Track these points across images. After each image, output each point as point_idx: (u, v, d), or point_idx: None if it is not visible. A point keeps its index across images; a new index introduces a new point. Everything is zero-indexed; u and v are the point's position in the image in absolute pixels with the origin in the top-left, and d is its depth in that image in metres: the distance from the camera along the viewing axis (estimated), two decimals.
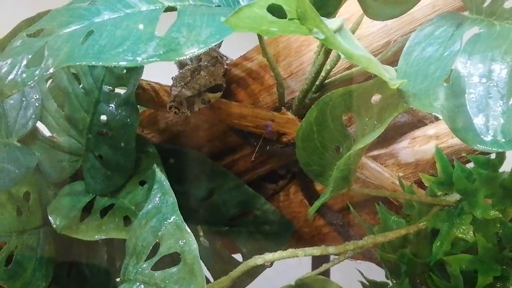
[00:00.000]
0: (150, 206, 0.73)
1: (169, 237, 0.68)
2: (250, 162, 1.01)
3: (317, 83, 0.89)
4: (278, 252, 0.81)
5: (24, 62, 0.73)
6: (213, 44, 0.68)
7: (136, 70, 0.93)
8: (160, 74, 0.97)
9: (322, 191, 1.00)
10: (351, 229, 1.01)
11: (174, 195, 0.71)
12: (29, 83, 0.71)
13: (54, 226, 0.94)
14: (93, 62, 0.69)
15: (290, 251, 0.81)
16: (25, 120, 0.96)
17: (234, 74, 0.98)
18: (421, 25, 0.75)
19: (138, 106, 0.96)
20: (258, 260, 0.81)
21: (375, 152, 0.97)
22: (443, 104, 0.65)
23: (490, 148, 0.63)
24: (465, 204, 0.80)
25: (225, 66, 0.96)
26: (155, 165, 0.78)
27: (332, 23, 0.65)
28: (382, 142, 0.98)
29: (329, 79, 0.90)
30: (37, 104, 0.97)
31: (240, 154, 1.03)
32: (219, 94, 0.91)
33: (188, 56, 0.67)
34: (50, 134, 1.01)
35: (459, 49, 0.69)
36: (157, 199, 0.73)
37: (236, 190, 1.00)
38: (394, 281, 0.87)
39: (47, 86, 1.01)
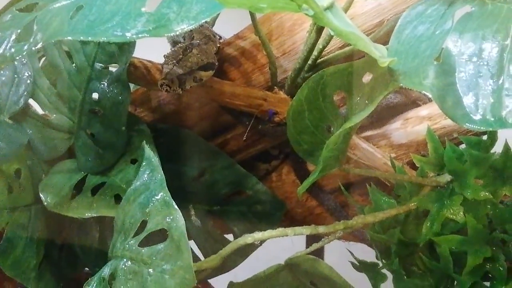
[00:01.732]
0: (138, 183, 0.73)
1: (156, 214, 0.68)
2: (242, 141, 1.01)
3: (309, 62, 0.89)
4: (268, 231, 0.81)
5: (13, 37, 0.72)
6: (203, 21, 0.67)
7: (127, 48, 0.93)
8: (153, 52, 0.96)
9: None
10: (344, 210, 1.01)
11: (162, 172, 0.71)
12: (18, 57, 0.71)
13: (45, 203, 0.94)
14: (82, 37, 0.68)
15: (279, 230, 0.81)
16: (17, 97, 0.96)
17: (227, 53, 0.98)
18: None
19: (130, 84, 0.95)
20: (248, 238, 0.81)
21: (368, 133, 0.97)
22: (433, 82, 0.64)
23: (479, 127, 0.62)
24: (455, 185, 0.79)
25: (218, 45, 0.95)
26: (144, 142, 0.77)
27: (322, 0, 0.65)
28: (375, 123, 0.97)
29: (322, 59, 0.90)
30: (29, 81, 0.97)
31: (232, 133, 1.02)
32: (211, 72, 0.91)
33: (178, 32, 0.66)
34: (43, 112, 1.00)
35: (450, 28, 0.68)
36: (145, 176, 0.73)
37: (228, 170, 1.00)
38: (384, 262, 0.87)
39: (40, 63, 1.00)
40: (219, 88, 0.94)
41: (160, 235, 0.68)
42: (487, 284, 0.81)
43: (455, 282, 0.81)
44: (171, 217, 0.66)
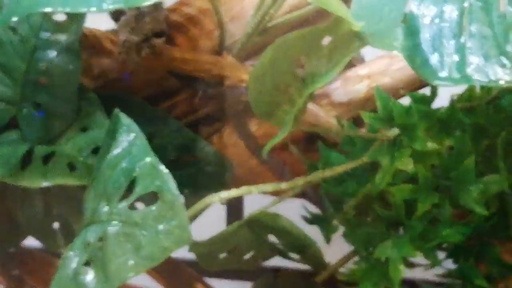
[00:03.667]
0: (118, 150, 0.75)
1: (144, 178, 0.70)
2: (188, 106, 1.03)
3: (261, 26, 0.92)
4: (232, 190, 0.85)
5: None
6: None
7: (78, 17, 0.93)
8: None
9: (257, 132, 1.03)
10: (285, 168, 1.05)
11: (144, 137, 0.73)
12: None
13: None
14: (60, 8, 0.69)
15: (244, 188, 0.85)
16: None
17: (173, 20, 0.99)
18: None
19: None
20: (213, 198, 0.84)
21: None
22: (403, 44, 0.69)
23: (446, 83, 0.68)
24: (404, 138, 0.85)
25: (165, 12, 0.97)
26: (117, 110, 0.79)
27: None
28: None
29: (271, 23, 0.93)
30: None
31: (178, 98, 1.04)
32: (163, 39, 0.93)
33: (152, 2, 0.68)
34: None
35: None
36: (125, 142, 0.74)
37: (176, 133, 1.02)
38: (337, 214, 0.93)
39: None
40: (169, 54, 0.95)
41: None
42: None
43: (405, 228, 0.88)
44: (161, 180, 0.69)
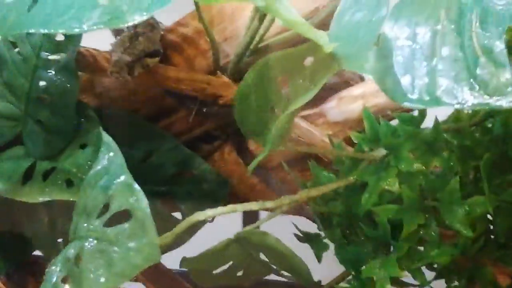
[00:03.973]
0: (99, 167, 0.77)
1: (119, 195, 0.72)
2: (186, 124, 1.05)
3: (251, 47, 0.94)
4: (219, 208, 0.86)
5: None
6: (154, 11, 0.72)
7: (75, 37, 0.96)
8: (97, 42, 1.00)
9: (255, 150, 1.05)
10: (284, 186, 1.06)
11: (122, 155, 0.75)
12: None
13: None
14: (41, 30, 0.71)
15: (230, 206, 0.86)
16: None
17: (170, 40, 1.02)
18: None
19: None
20: (200, 215, 0.86)
21: (306, 112, 1.02)
22: (373, 66, 0.70)
23: (416, 105, 0.68)
24: (391, 159, 0.86)
25: (161, 32, 0.99)
26: (100, 128, 0.81)
27: None
28: (312, 102, 1.03)
29: (262, 44, 0.95)
30: None
31: (176, 116, 1.06)
32: (157, 59, 0.95)
33: (132, 23, 0.70)
34: None
35: (386, 15, 0.74)
36: (105, 160, 0.76)
37: (173, 151, 1.04)
38: (326, 232, 0.93)
39: None
40: (164, 74, 0.98)
41: (120, 217, 0.72)
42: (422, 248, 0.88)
43: (392, 248, 0.88)
44: (134, 198, 0.71)
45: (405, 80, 0.69)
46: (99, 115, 1.02)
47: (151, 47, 0.94)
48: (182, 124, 1.06)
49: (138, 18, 0.70)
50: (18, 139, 1.03)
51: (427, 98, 0.68)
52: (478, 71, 0.67)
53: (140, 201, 0.70)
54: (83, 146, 0.98)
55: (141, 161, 1.05)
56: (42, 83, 0.98)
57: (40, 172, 0.98)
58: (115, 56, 0.91)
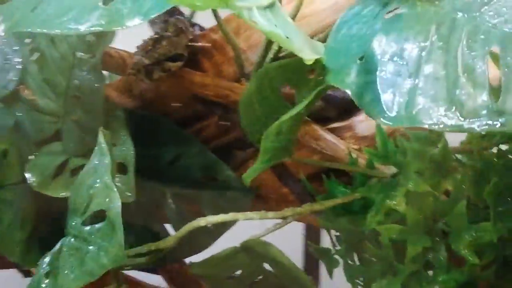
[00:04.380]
0: (90, 166, 0.79)
1: (99, 195, 0.74)
2: (216, 129, 1.05)
3: (271, 56, 0.93)
4: (220, 215, 0.86)
5: None
6: (153, 16, 0.73)
7: (104, 38, 0.98)
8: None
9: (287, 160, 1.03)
10: (313, 197, 1.05)
11: (110, 157, 0.76)
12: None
13: (30, 182, 1.00)
14: (38, 30, 0.74)
15: (231, 214, 0.86)
16: (5, 82, 1.02)
17: (201, 45, 1.02)
18: None
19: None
20: (201, 221, 0.86)
21: (335, 125, 1.00)
22: (353, 80, 0.68)
23: (392, 123, 0.66)
24: (400, 177, 0.83)
25: (190, 37, 1.00)
26: (101, 128, 0.82)
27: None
28: (343, 115, 1.01)
29: (284, 53, 0.93)
30: (18, 67, 1.03)
31: (207, 122, 1.07)
32: (179, 63, 0.96)
33: (129, 27, 0.72)
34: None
35: (379, 28, 0.72)
36: (95, 160, 0.78)
37: (200, 155, 1.04)
38: (336, 248, 0.92)
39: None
40: (190, 78, 0.98)
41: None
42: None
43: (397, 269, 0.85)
44: (109, 199, 0.72)
45: (386, 97, 0.67)
46: (134, 116, 1.04)
47: (172, 51, 0.94)
48: (213, 130, 1.07)
49: (137, 22, 0.72)
50: (57, 135, 1.07)
51: (404, 116, 0.66)
52: (457, 91, 0.64)
53: (113, 202, 0.71)
54: (113, 145, 1.00)
55: (169, 163, 1.06)
56: (76, 82, 1.01)
57: (70, 168, 1.01)
58: (135, 58, 0.93)
